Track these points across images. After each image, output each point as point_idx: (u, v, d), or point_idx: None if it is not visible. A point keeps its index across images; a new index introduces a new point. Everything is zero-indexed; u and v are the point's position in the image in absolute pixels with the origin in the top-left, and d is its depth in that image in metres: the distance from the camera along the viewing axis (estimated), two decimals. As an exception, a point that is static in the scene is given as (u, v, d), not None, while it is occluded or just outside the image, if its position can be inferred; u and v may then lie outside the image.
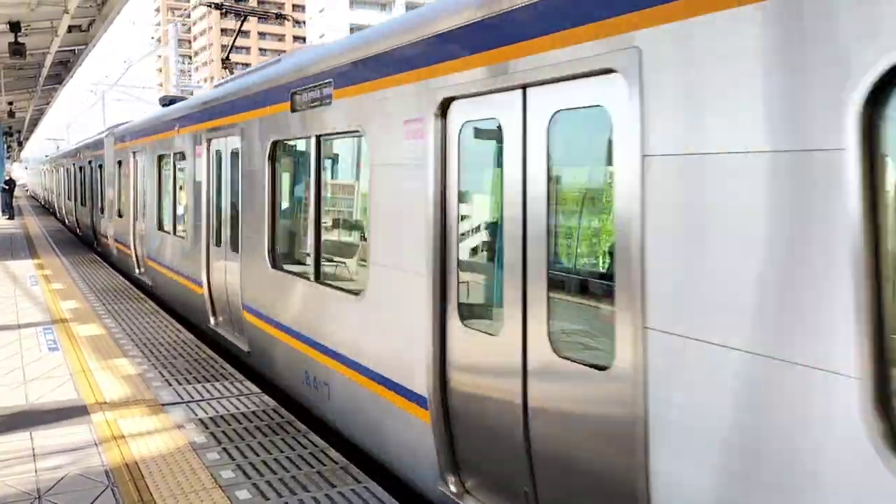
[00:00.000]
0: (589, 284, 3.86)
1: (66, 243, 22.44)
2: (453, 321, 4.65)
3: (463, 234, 4.70)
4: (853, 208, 2.40)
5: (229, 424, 6.16)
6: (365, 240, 5.85)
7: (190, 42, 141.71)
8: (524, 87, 4.00)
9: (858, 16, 2.40)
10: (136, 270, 14.87)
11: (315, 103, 6.54)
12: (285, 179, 7.87)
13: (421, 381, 4.89)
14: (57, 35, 16.42)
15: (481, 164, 4.64)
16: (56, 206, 37.28)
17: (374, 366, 5.53)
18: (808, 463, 2.55)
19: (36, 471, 5.18)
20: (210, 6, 17.69)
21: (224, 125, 9.19)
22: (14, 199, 36.18)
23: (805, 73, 2.55)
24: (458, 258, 4.68)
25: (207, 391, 7.10)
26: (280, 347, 7.39)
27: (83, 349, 8.75)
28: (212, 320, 9.79)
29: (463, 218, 4.68)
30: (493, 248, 4.50)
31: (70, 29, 16.44)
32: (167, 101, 14.58)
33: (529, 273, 4.00)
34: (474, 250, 4.74)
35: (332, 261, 6.74)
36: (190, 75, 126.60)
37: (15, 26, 14.81)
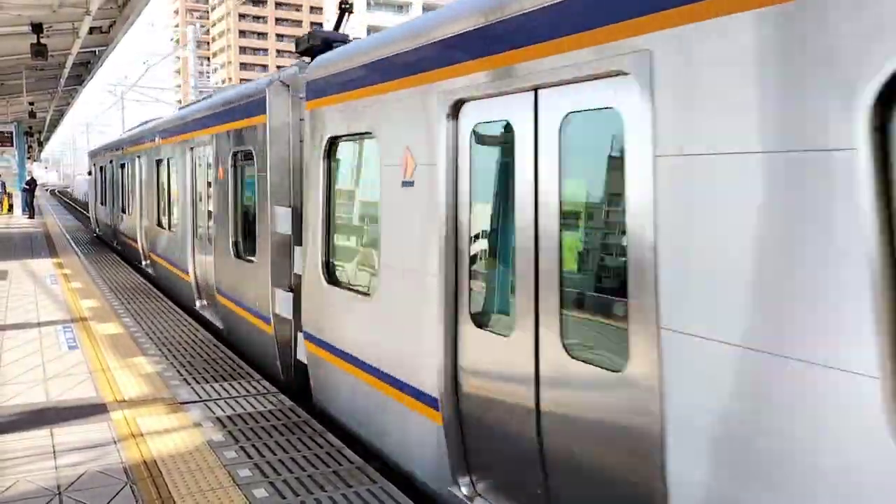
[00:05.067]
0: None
1: (85, 242, 22.66)
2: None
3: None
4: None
5: (246, 423, 6.20)
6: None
7: (208, 44, 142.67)
8: None
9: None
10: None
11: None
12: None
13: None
14: (78, 36, 16.60)
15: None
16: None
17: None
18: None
19: (56, 467, 5.24)
20: None
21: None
22: (35, 199, 36.59)
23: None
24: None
25: (225, 390, 7.15)
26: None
27: (102, 347, 8.83)
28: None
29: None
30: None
31: (91, 30, 16.61)
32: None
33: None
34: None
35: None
36: (209, 76, 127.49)
37: (37, 27, 15.00)
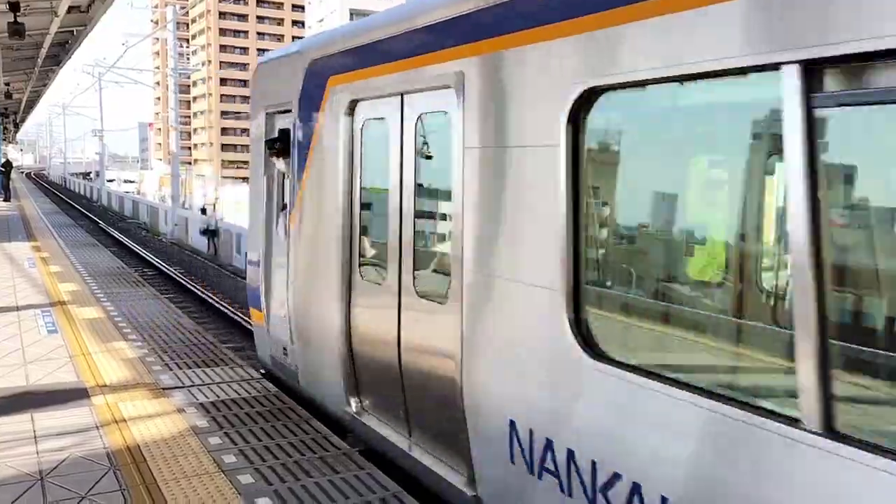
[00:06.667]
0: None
1: (63, 226, 22.37)
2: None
3: None
4: None
5: (230, 409, 6.15)
6: None
7: (188, 25, 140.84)
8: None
9: None
10: None
11: None
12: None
13: None
14: (56, 15, 16.32)
15: None
16: None
17: None
18: None
19: (37, 452, 5.17)
20: None
21: None
22: (10, 182, 36.04)
23: None
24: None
25: (207, 376, 7.09)
26: None
27: (82, 332, 8.72)
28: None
29: None
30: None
31: (69, 9, 16.33)
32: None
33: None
34: None
35: None
36: (188, 58, 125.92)
37: (14, 6, 14.69)
